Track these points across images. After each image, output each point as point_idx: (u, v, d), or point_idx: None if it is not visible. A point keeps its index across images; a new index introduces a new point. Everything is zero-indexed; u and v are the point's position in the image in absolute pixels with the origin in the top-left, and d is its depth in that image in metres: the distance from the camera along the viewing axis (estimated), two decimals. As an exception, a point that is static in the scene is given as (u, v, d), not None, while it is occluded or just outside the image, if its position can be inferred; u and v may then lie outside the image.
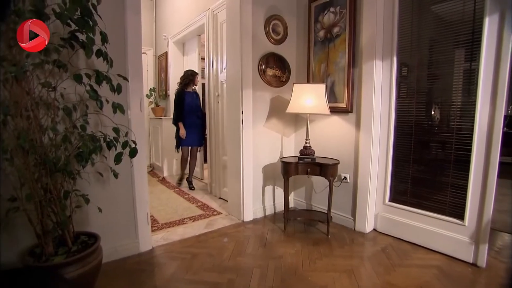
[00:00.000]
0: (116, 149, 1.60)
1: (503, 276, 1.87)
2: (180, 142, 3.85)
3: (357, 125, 2.52)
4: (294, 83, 2.53)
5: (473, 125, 1.95)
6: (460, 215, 2.05)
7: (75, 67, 1.68)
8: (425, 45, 2.29)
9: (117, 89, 1.53)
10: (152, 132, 5.05)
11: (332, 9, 2.67)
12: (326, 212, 2.51)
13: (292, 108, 2.49)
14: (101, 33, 1.53)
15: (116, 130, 1.51)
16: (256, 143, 2.82)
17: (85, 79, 1.53)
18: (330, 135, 2.75)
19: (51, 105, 1.53)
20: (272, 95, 2.90)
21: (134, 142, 1.57)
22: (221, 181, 3.49)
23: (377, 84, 2.38)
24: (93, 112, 1.60)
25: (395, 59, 2.36)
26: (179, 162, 4.12)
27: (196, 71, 3.94)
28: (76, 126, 1.58)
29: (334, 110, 2.62)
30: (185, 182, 4.04)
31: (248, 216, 2.82)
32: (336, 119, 2.68)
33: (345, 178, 2.63)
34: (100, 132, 1.65)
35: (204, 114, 3.89)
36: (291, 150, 3.09)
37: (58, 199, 1.48)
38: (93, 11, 1.45)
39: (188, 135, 3.78)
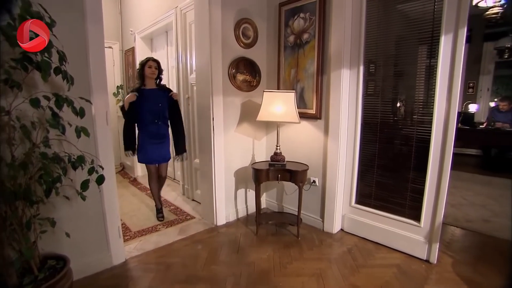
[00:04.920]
0: (82, 169, 1.56)
1: (449, 270, 2.10)
2: (138, 156, 2.89)
3: (326, 131, 2.61)
4: (264, 91, 2.55)
5: (431, 121, 2.08)
6: (417, 217, 2.23)
7: (31, 86, 1.58)
8: (391, 43, 2.38)
9: (80, 113, 1.46)
10: (121, 131, 4.87)
11: (302, 15, 2.69)
12: (297, 214, 2.62)
13: (262, 116, 2.52)
14: (59, 52, 1.45)
15: (81, 158, 1.46)
16: (227, 148, 2.84)
17: (44, 102, 1.45)
18: (300, 140, 2.84)
19: (5, 127, 1.44)
20: (242, 99, 2.91)
21: (101, 167, 1.53)
22: (194, 184, 3.49)
23: (344, 92, 2.47)
24: (55, 138, 1.53)
25: (361, 68, 2.44)
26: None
27: (151, 58, 2.88)
28: (37, 145, 1.51)
29: (303, 116, 2.69)
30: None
31: (221, 220, 2.87)
32: (305, 124, 2.75)
33: (314, 181, 2.74)
34: (64, 152, 1.58)
35: (178, 119, 2.95)
36: (263, 153, 3.15)
37: (20, 228, 1.42)
38: (48, 31, 1.36)
39: (150, 150, 2.81)
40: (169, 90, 2.92)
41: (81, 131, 1.47)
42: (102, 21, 1.92)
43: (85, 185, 1.46)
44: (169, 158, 2.99)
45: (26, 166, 1.41)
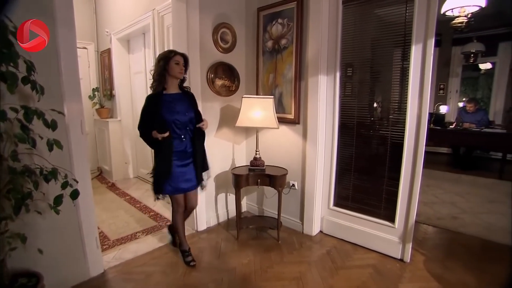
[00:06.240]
0: (55, 182, 1.50)
1: (421, 268, 2.21)
2: (163, 186, 2.11)
3: (304, 135, 2.66)
4: (243, 97, 2.56)
5: (405, 122, 2.17)
6: (392, 218, 2.33)
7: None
8: (367, 47, 2.47)
9: (52, 126, 1.41)
10: (98, 134, 4.73)
11: (280, 20, 2.72)
12: (277, 217, 2.66)
13: (241, 122, 2.53)
14: (26, 62, 1.39)
15: (53, 172, 1.41)
16: (207, 153, 2.80)
17: (11, 113, 1.38)
18: (279, 144, 2.87)
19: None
20: (221, 104, 2.90)
21: (75, 180, 1.49)
22: (175, 188, 3.44)
23: (322, 97, 2.52)
24: (24, 152, 1.46)
25: (338, 73, 2.51)
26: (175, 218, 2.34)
27: (176, 51, 2.11)
28: (5, 159, 1.44)
29: (282, 121, 2.72)
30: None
31: (201, 225, 2.86)
32: (284, 129, 2.79)
33: (293, 185, 2.79)
34: (36, 164, 1.52)
35: (201, 135, 2.24)
36: (243, 157, 3.16)
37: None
38: (14, 41, 1.30)
39: (178, 174, 2.12)
40: (193, 96, 2.28)
41: (53, 144, 1.42)
42: (74, 26, 1.86)
43: (58, 200, 1.41)
44: (199, 182, 2.28)
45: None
